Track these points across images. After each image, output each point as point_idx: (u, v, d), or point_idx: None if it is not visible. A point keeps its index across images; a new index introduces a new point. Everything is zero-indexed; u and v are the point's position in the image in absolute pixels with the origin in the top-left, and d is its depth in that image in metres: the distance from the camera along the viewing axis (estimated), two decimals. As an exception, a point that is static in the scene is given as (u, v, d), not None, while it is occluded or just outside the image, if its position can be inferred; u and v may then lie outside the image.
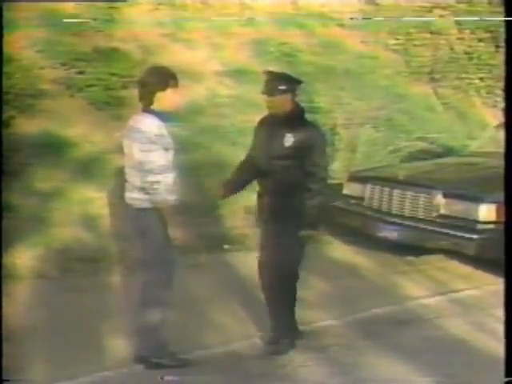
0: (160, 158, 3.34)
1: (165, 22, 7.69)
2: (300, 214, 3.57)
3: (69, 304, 4.24)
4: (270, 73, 3.69)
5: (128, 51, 6.99)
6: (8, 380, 3.05)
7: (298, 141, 3.60)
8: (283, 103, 3.64)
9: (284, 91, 3.61)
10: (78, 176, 5.66)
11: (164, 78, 3.42)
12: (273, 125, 3.69)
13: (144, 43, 7.23)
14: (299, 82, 3.72)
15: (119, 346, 3.73)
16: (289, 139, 3.61)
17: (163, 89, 3.39)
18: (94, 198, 5.53)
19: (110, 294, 4.47)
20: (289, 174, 3.63)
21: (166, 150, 3.38)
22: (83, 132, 6.10)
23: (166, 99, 3.41)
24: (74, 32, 6.83)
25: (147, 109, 3.42)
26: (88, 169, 5.76)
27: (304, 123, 3.70)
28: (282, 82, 3.62)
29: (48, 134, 5.88)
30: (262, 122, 3.82)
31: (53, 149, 5.74)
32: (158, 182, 3.32)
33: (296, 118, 3.67)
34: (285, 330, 3.77)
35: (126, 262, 4.89)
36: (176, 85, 3.44)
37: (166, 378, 3.35)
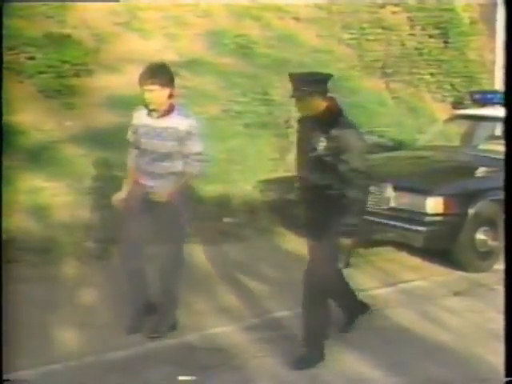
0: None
1: (119, 11, 7.56)
2: (336, 224, 3.32)
3: (15, 294, 4.15)
4: (292, 75, 3.41)
5: (81, 39, 6.84)
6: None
7: (332, 144, 3.33)
8: (313, 105, 3.38)
9: (310, 93, 3.34)
10: (27, 164, 5.53)
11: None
12: (306, 127, 3.47)
13: (97, 31, 7.09)
14: (327, 79, 3.43)
15: (67, 337, 3.68)
16: (321, 142, 3.36)
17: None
18: (43, 188, 5.42)
19: (58, 285, 4.40)
20: (324, 179, 3.37)
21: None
22: (33, 120, 5.95)
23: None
24: (22, 15, 6.63)
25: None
26: (37, 157, 5.63)
27: (338, 124, 3.38)
28: (306, 83, 3.33)
29: (-5, 121, 5.72)
30: (300, 122, 3.62)
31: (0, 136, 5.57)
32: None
33: (329, 119, 3.38)
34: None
35: (78, 253, 4.82)
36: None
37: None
